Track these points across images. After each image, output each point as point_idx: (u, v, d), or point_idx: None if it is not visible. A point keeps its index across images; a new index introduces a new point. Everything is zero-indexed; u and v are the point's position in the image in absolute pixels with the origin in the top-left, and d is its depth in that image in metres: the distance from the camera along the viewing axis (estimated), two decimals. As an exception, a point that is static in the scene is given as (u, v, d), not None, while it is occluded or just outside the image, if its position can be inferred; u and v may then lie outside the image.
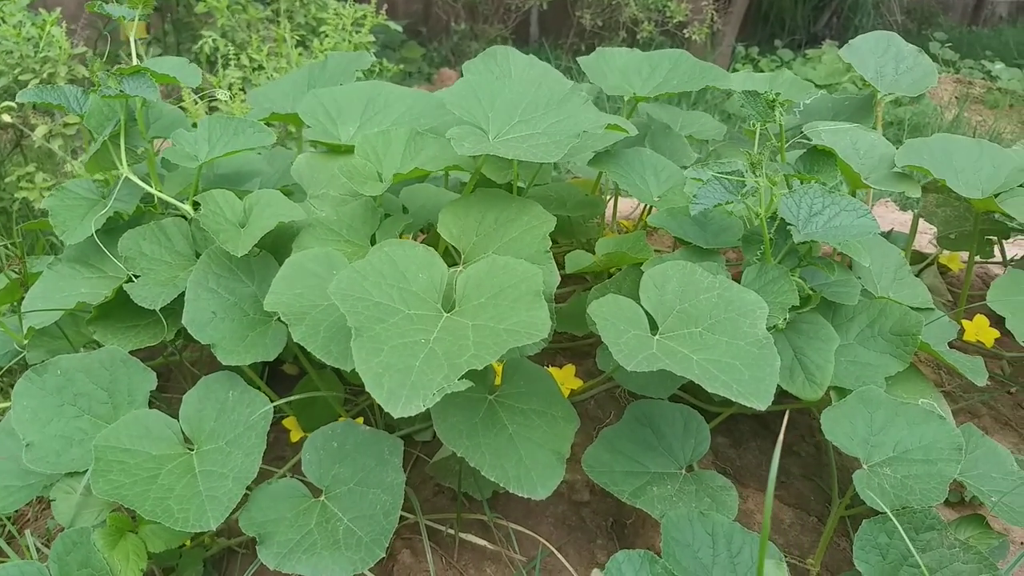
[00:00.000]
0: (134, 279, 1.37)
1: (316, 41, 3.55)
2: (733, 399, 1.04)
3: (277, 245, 1.38)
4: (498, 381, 1.27)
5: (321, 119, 1.60)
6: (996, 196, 1.62)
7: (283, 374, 1.73)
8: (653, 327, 1.19)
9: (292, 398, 1.32)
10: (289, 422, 1.51)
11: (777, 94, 1.50)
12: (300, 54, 3.34)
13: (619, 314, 1.16)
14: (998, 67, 6.67)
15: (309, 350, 1.10)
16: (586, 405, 1.65)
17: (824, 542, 1.38)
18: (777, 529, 1.47)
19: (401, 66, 4.36)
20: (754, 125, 1.53)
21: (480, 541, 1.36)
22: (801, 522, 1.49)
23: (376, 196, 1.32)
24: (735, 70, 7.07)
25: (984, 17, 12.64)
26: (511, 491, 1.11)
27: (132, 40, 1.56)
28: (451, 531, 1.38)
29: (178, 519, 1.10)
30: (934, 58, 7.67)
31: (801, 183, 1.29)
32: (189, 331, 1.24)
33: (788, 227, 1.27)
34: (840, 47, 2.00)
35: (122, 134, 1.46)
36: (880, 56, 1.94)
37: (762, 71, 7.35)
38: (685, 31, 6.18)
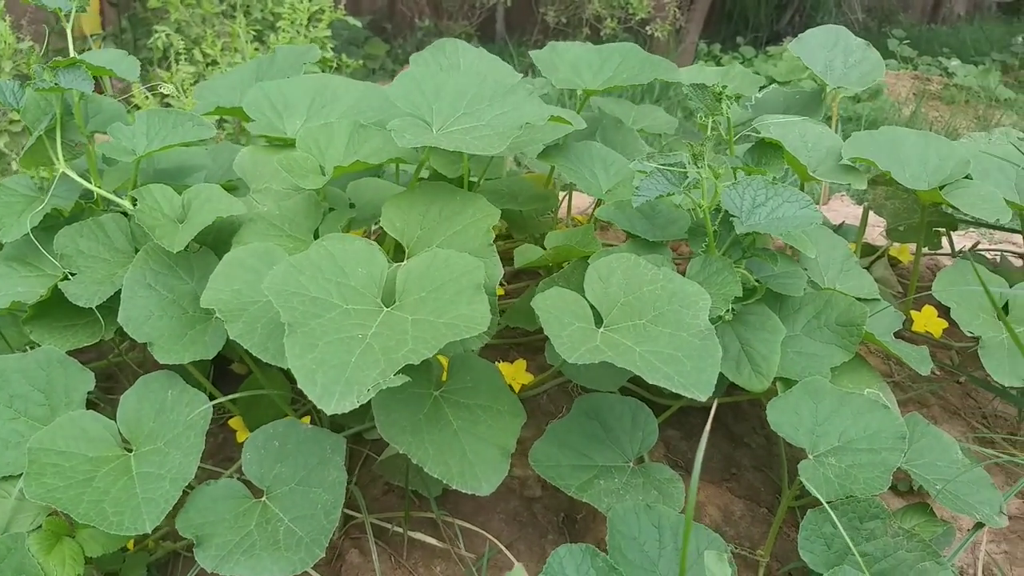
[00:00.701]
0: (70, 277, 1.34)
1: (273, 36, 3.51)
2: (674, 390, 1.04)
3: (218, 241, 1.35)
4: (445, 377, 1.25)
5: (267, 112, 1.58)
6: (941, 188, 1.64)
7: (232, 373, 1.70)
8: (598, 320, 1.18)
9: (235, 396, 1.29)
10: (235, 422, 1.48)
11: (724, 87, 1.50)
12: (256, 49, 3.30)
13: (563, 307, 1.16)
14: (954, 64, 6.80)
15: (246, 347, 1.08)
16: (539, 400, 1.65)
17: (773, 533, 1.39)
18: (728, 521, 1.48)
19: (363, 62, 4.32)
20: (703, 118, 1.53)
21: (429, 539, 1.35)
22: (752, 513, 1.49)
23: (318, 190, 1.30)
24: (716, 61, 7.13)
25: (943, 15, 12.88)
26: (455, 487, 1.10)
27: (68, 33, 1.52)
28: (400, 529, 1.36)
29: (113, 522, 1.07)
30: (892, 55, 7.79)
31: (746, 175, 1.29)
32: (125, 330, 1.21)
33: (732, 219, 1.28)
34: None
35: (58, 128, 1.42)
36: (829, 50, 1.95)
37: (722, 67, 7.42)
38: (648, 28, 6.20)
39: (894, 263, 2.12)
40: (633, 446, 1.30)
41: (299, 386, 0.91)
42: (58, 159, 1.41)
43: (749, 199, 1.27)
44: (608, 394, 1.34)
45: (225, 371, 1.70)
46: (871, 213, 2.00)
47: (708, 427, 0.80)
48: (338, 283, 1.06)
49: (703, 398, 1.04)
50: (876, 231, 2.35)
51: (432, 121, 1.29)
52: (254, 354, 1.07)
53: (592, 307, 1.19)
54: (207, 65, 3.04)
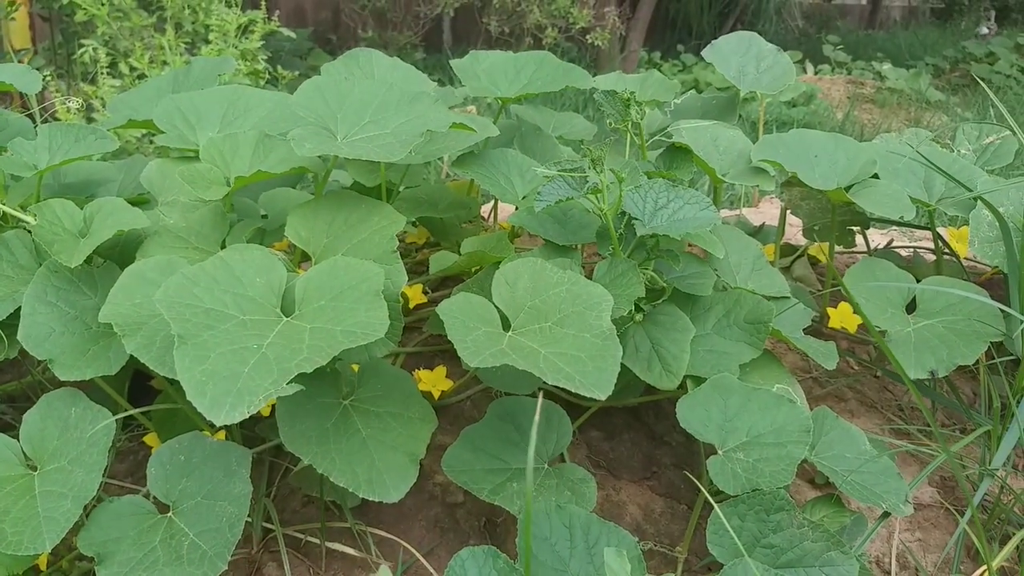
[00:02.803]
0: (-32, 295, 1.31)
1: (204, 48, 3.47)
2: (573, 390, 1.05)
3: (124, 255, 1.33)
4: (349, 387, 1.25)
5: (179, 125, 1.56)
6: (848, 188, 1.69)
7: (152, 389, 1.68)
8: (506, 324, 1.20)
9: (145, 409, 1.27)
10: (151, 438, 1.46)
11: (632, 93, 1.53)
12: (187, 62, 3.25)
13: (470, 312, 1.17)
14: (886, 67, 7.01)
15: (144, 362, 1.06)
16: (462, 406, 1.65)
17: (691, 529, 1.42)
18: (648, 519, 1.50)
19: (298, 73, 4.30)
20: (613, 124, 1.56)
21: (348, 550, 1.34)
22: (671, 511, 1.52)
23: (221, 201, 1.29)
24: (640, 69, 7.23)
25: (879, 21, 13.27)
26: (362, 496, 1.10)
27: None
28: (318, 541, 1.36)
29: (11, 542, 1.05)
30: (827, 60, 8.00)
31: (648, 179, 1.31)
32: (25, 347, 1.19)
33: (635, 222, 1.30)
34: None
35: (-43, 144, 1.39)
36: (742, 56, 2.00)
37: (663, 74, 7.55)
38: (588, 37, 6.28)
39: (814, 262, 2.17)
40: (547, 447, 1.32)
41: (188, 398, 0.90)
42: (-42, 175, 1.38)
43: (652, 202, 1.29)
44: (523, 397, 1.35)
45: (145, 387, 1.67)
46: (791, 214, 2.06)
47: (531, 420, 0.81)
48: (235, 294, 1.06)
49: (603, 397, 1.06)
50: (796, 231, 2.40)
51: (336, 130, 1.29)
52: (152, 368, 1.06)
53: (499, 311, 1.20)
54: (135, 79, 2.99)
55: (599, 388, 1.07)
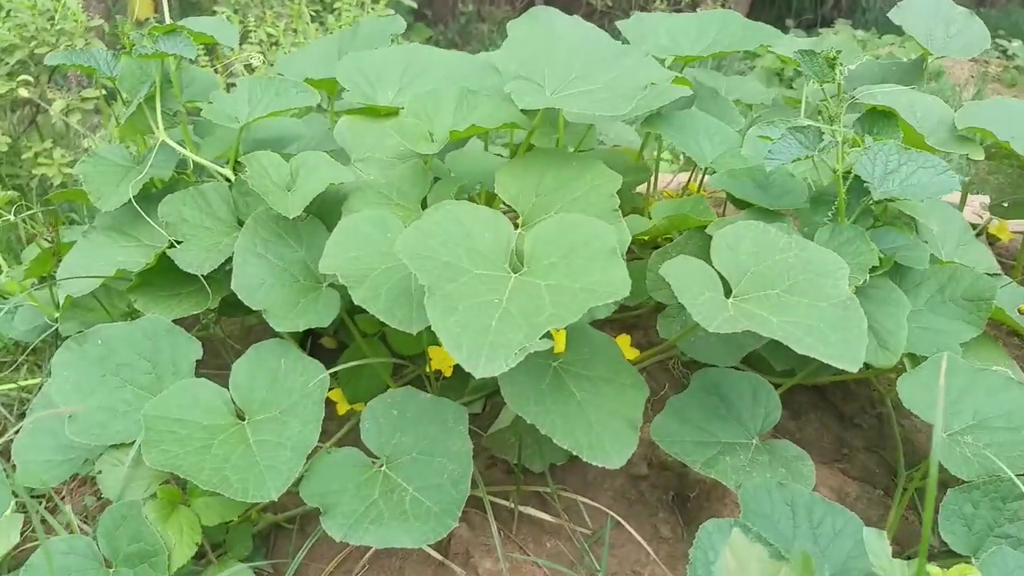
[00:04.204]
0: (176, 245, 1.32)
1: (331, 18, 3.48)
2: (823, 360, 0.99)
3: (323, 210, 1.32)
4: (558, 349, 1.21)
5: (359, 83, 1.54)
6: (1062, 159, 1.56)
7: (322, 348, 1.68)
8: (727, 290, 1.14)
9: (343, 366, 1.26)
10: (335, 394, 1.46)
11: (838, 51, 1.44)
12: (316, 31, 3.27)
13: (692, 275, 1.11)
14: (1015, 44, 6.59)
15: (372, 312, 1.05)
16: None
17: (895, 516, 1.34)
18: (843, 503, 1.42)
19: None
20: (812, 85, 1.47)
21: (540, 514, 1.31)
22: (867, 496, 1.44)
23: (428, 157, 1.27)
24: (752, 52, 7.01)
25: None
26: (585, 459, 1.06)
27: (165, 4, 1.50)
28: (508, 504, 1.33)
29: (237, 489, 1.05)
30: (947, 38, 7.58)
31: (874, 141, 1.23)
32: (239, 296, 1.19)
33: (863, 185, 1.22)
34: (853, 26, 1.95)
35: (157, 96, 1.40)
36: (930, 18, 1.87)
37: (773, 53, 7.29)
38: (698, 11, 6.10)
39: (992, 241, 2.04)
40: (755, 422, 1.25)
41: (445, 349, 0.87)
42: (158, 127, 1.39)
43: (881, 165, 1.21)
44: (726, 369, 1.29)
45: (315, 345, 1.68)
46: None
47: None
48: (467, 248, 1.03)
49: (853, 369, 0.99)
50: (968, 210, 2.26)
51: (544, 85, 1.25)
52: (380, 319, 1.04)
53: (720, 276, 1.14)
54: (270, 46, 3.02)
55: (846, 360, 1.00)
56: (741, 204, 1.39)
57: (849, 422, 1.56)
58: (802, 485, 1.16)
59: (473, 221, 1.06)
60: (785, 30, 7.99)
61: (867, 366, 1.31)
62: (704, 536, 0.95)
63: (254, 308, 1.18)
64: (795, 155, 1.16)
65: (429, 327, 1.08)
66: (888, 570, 0.91)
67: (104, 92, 2.62)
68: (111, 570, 1.15)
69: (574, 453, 1.05)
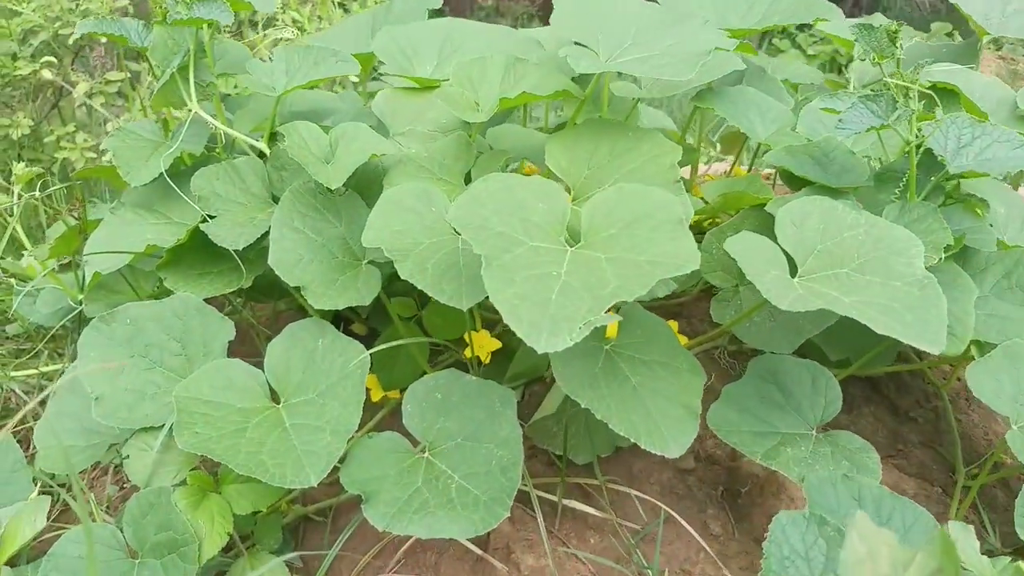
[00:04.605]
0: (209, 220, 1.26)
1: (356, 5, 3.43)
2: (904, 341, 0.92)
3: (362, 185, 1.27)
4: (610, 333, 1.15)
5: (396, 57, 1.49)
6: None
7: (352, 334, 1.62)
8: (792, 269, 1.07)
9: (381, 347, 1.20)
10: (369, 380, 1.40)
11: (900, 24, 1.37)
12: (341, 16, 3.22)
13: (756, 252, 1.05)
14: (1045, 42, 6.47)
15: (420, 287, 0.98)
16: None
17: (957, 515, 1.27)
18: (900, 499, 1.35)
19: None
20: (871, 60, 1.40)
21: (585, 508, 1.25)
22: (925, 493, 1.36)
23: (475, 127, 1.21)
24: (773, 46, 6.91)
25: (1015, -1, 12.38)
26: (643, 447, 0.99)
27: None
28: (551, 497, 1.27)
29: (273, 474, 1.00)
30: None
31: (944, 114, 1.16)
32: (277, 272, 1.13)
33: (933, 162, 1.15)
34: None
35: (191, 66, 1.35)
36: (987, -1, 1.80)
37: (800, 47, 7.18)
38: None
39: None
40: (815, 412, 1.19)
41: (505, 321, 0.81)
42: (191, 99, 1.34)
43: (954, 139, 1.14)
44: (783, 356, 1.23)
45: (346, 331, 1.62)
46: None
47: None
48: (521, 219, 0.97)
49: (936, 351, 0.93)
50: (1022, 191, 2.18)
51: (598, 51, 1.19)
52: (428, 293, 0.98)
53: (785, 254, 1.07)
54: (296, 32, 2.98)
55: (928, 340, 0.93)
56: (797, 184, 1.33)
57: (904, 416, 1.48)
58: (868, 478, 1.09)
59: (526, 191, 1.00)
60: (807, 27, 7.88)
61: (920, 357, 1.25)
62: (777, 529, 0.89)
63: (292, 284, 1.13)
64: (868, 124, 1.09)
65: (473, 308, 1.02)
66: (978, 567, 0.84)
67: (128, 75, 2.58)
68: (137, 560, 1.09)
69: (632, 440, 0.99)
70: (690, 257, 0.90)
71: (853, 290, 1.02)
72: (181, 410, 1.07)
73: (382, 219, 1.08)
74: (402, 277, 1.00)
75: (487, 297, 0.88)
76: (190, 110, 1.34)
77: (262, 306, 1.76)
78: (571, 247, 0.97)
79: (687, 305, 1.65)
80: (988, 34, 1.76)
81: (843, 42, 1.79)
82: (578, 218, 1.00)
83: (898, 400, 1.50)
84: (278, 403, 1.13)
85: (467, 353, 1.32)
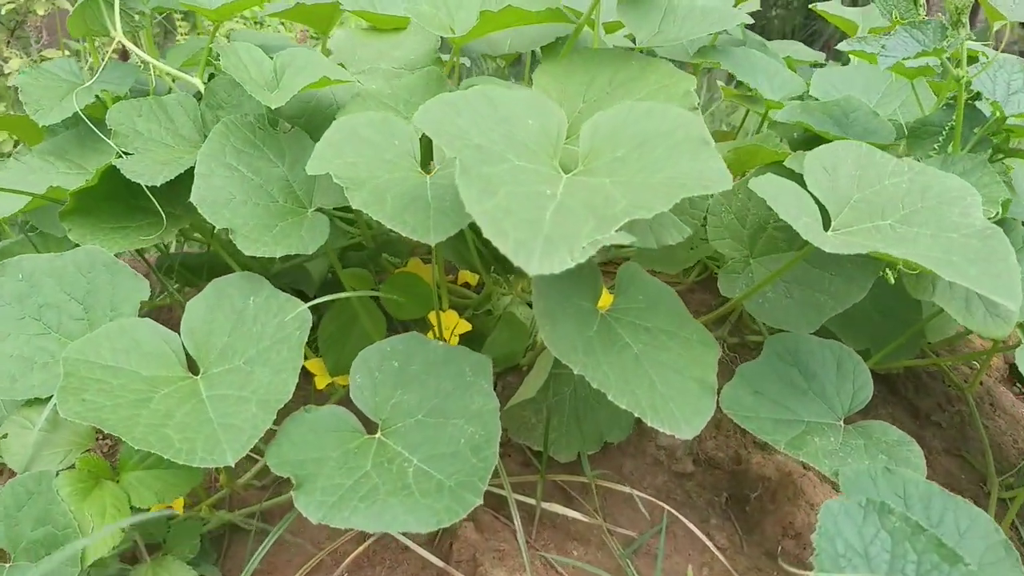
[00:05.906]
0: (124, 156, 1.06)
1: None
2: (976, 289, 0.75)
3: (311, 124, 1.07)
4: (603, 303, 0.96)
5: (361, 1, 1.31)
6: None
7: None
8: (826, 220, 0.90)
9: (324, 298, 0.99)
10: (314, 364, 1.19)
11: (925, -20, 1.23)
12: None
13: (786, 196, 0.87)
14: None
15: (375, 218, 0.79)
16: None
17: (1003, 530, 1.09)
18: (928, 512, 1.17)
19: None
20: (892, 20, 1.26)
21: (569, 512, 1.04)
22: (956, 504, 1.19)
23: (448, 65, 1.02)
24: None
25: None
26: (650, 424, 0.80)
27: None
28: (527, 500, 1.06)
29: (179, 450, 0.78)
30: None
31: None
32: (201, 211, 0.93)
33: (976, 113, 1.00)
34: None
35: (117, -10, 1.15)
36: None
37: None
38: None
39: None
40: (842, 400, 1.00)
41: (486, 236, 0.62)
42: (115, 27, 1.14)
43: (1003, 84, 0.99)
44: (805, 336, 1.05)
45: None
46: None
47: None
48: (504, 134, 0.78)
49: (1014, 306, 0.75)
50: None
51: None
52: (387, 225, 0.78)
53: (818, 203, 0.90)
54: None
55: (1003, 293, 0.76)
56: (814, 144, 1.17)
57: (926, 419, 1.31)
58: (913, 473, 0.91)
59: (510, 104, 0.81)
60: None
61: (947, 344, 1.08)
62: (828, 521, 0.69)
63: (219, 226, 0.92)
64: (914, 50, 0.94)
65: (439, 287, 0.82)
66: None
67: (67, 54, 2.37)
68: (7, 564, 0.86)
69: (636, 414, 0.79)
70: (719, 176, 0.72)
71: (899, 243, 0.84)
72: (69, 374, 0.85)
73: (332, 149, 0.88)
74: (354, 207, 0.80)
75: (462, 231, 0.69)
76: (114, 39, 1.14)
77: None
78: (566, 174, 0.79)
79: (682, 295, 1.47)
80: (1002, 18, 1.64)
81: (842, 23, 1.66)
82: (576, 143, 0.82)
83: (918, 402, 1.33)
84: (196, 373, 0.92)
85: (431, 336, 1.12)
